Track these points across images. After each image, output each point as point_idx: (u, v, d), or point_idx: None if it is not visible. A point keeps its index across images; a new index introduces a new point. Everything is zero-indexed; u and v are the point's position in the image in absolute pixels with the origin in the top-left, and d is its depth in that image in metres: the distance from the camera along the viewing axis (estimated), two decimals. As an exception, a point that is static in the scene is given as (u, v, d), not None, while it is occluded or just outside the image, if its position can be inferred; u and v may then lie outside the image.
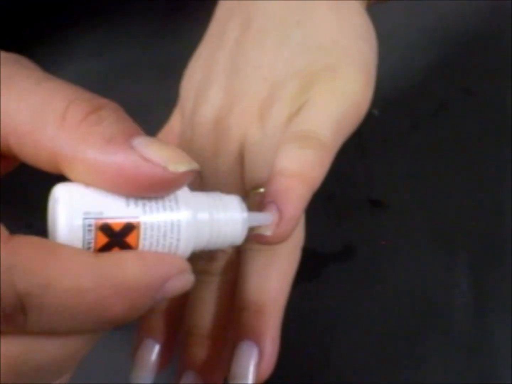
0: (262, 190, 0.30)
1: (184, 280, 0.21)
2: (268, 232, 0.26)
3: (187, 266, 0.21)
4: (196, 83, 0.34)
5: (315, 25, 0.32)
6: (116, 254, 0.20)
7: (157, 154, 0.20)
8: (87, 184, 0.20)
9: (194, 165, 0.21)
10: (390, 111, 0.46)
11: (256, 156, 0.31)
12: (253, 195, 0.30)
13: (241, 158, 0.31)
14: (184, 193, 0.22)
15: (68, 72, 0.49)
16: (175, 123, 0.36)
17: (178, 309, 0.32)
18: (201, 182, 0.32)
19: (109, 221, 0.20)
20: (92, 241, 0.20)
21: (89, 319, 0.19)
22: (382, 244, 0.40)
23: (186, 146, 0.34)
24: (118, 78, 0.49)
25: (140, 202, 0.20)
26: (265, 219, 0.26)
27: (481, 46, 0.51)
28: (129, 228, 0.20)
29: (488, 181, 0.43)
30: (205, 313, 0.31)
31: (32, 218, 0.40)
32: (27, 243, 0.19)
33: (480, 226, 0.41)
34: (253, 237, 0.26)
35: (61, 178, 0.21)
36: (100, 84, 0.48)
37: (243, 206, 0.24)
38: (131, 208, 0.20)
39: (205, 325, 0.31)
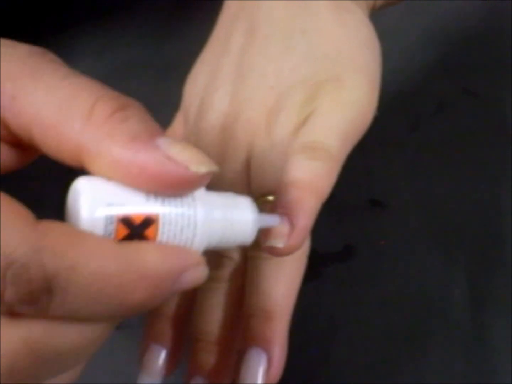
0: (270, 198, 0.30)
1: (199, 272, 0.21)
2: (280, 244, 0.26)
3: (202, 259, 0.22)
4: (200, 88, 0.34)
5: (319, 34, 0.32)
6: (137, 244, 0.20)
7: (180, 154, 0.20)
8: (109, 178, 0.20)
9: (214, 167, 0.21)
10: (390, 111, 0.45)
11: (264, 164, 0.31)
12: (260, 203, 0.31)
13: (247, 165, 0.32)
14: (200, 191, 0.23)
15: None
16: (177, 127, 0.36)
17: (185, 315, 0.32)
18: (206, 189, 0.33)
19: (130, 214, 0.20)
20: (113, 232, 0.20)
21: (111, 304, 0.19)
22: (382, 244, 0.40)
23: None
24: (119, 78, 0.49)
25: (159, 198, 0.21)
26: (274, 221, 0.26)
27: (481, 46, 0.51)
28: (149, 221, 0.21)
29: (488, 181, 0.43)
30: (213, 320, 0.32)
31: (36, 214, 0.40)
32: (55, 227, 0.19)
33: (480, 226, 0.41)
34: (265, 249, 0.27)
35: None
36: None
37: (254, 206, 0.25)
38: (151, 202, 0.21)
39: (213, 331, 0.31)
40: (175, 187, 0.21)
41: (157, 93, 0.44)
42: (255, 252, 0.31)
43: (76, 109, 0.20)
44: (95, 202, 0.20)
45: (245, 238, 0.24)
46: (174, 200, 0.21)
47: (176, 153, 0.20)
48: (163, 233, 0.21)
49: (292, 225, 0.26)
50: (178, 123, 0.36)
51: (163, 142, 0.20)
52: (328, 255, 0.39)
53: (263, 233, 0.27)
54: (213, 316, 0.32)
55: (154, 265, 0.20)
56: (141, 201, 0.21)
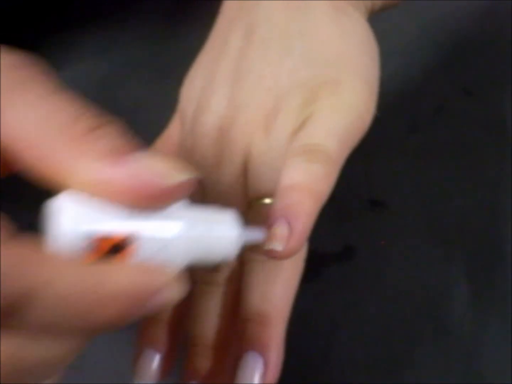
0: (267, 200, 0.30)
1: (174, 293, 0.21)
2: (279, 247, 0.26)
3: (177, 279, 0.21)
4: (197, 90, 0.34)
5: (318, 37, 0.32)
6: (107, 265, 0.20)
7: (155, 166, 0.21)
8: (86, 195, 0.21)
9: (193, 175, 0.21)
10: (389, 111, 0.45)
11: (261, 167, 0.31)
12: (257, 206, 0.31)
13: (244, 168, 0.32)
14: (181, 206, 0.22)
15: (69, 73, 0.49)
16: (174, 131, 0.36)
17: (179, 319, 0.32)
18: (202, 192, 0.32)
19: (107, 232, 0.20)
20: (89, 251, 0.20)
21: (78, 323, 0.20)
22: (382, 244, 0.40)
23: (187, 154, 0.34)
24: (119, 78, 0.49)
25: (136, 216, 0.21)
26: (258, 236, 0.26)
27: (481, 46, 0.51)
28: (125, 241, 0.21)
29: (487, 181, 0.43)
30: (209, 324, 0.32)
31: (32, 217, 0.40)
32: (26, 245, 0.19)
33: (480, 227, 0.41)
34: (264, 252, 0.27)
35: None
36: (101, 85, 0.48)
37: (237, 222, 0.24)
38: (129, 220, 0.21)
39: (209, 335, 0.31)
40: (152, 200, 0.21)
41: (157, 93, 0.44)
42: (251, 255, 0.31)
43: (54, 127, 0.20)
44: (72, 220, 0.20)
45: (228, 254, 0.24)
46: (154, 216, 0.21)
47: (151, 165, 0.20)
48: (140, 251, 0.21)
49: (291, 228, 0.26)
50: (174, 127, 0.36)
51: (139, 156, 0.20)
52: (328, 255, 0.39)
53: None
54: (209, 320, 0.32)
55: (124, 286, 0.20)
56: (119, 220, 0.21)
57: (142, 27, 0.52)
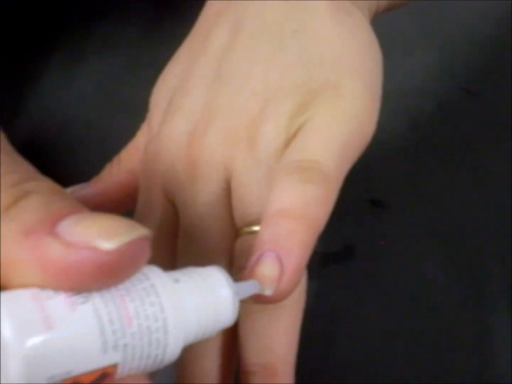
0: (256, 228, 0.26)
1: None
2: (268, 292, 0.22)
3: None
4: (169, 91, 0.29)
5: (315, 36, 0.28)
6: None
7: (86, 233, 0.16)
8: (20, 286, 0.17)
9: (139, 233, 0.17)
10: (390, 111, 0.45)
11: (247, 187, 0.26)
12: (246, 235, 0.26)
13: (227, 186, 0.27)
14: (162, 283, 0.18)
15: (68, 73, 0.49)
16: (141, 139, 0.31)
17: None
18: (175, 211, 0.28)
19: (80, 376, 0.16)
20: None
21: None
22: (382, 244, 0.40)
23: (150, 163, 0.29)
24: (119, 78, 0.49)
25: (120, 338, 0.17)
26: (254, 289, 0.22)
27: (481, 46, 0.51)
28: (105, 374, 0.17)
29: (488, 181, 0.43)
30: (198, 371, 0.27)
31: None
32: None
33: (480, 226, 0.41)
34: (254, 299, 0.23)
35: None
36: (101, 85, 0.48)
37: (228, 278, 0.20)
38: (108, 353, 0.17)
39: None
40: (94, 277, 0.16)
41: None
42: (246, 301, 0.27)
43: None
44: (32, 373, 0.15)
45: (227, 321, 0.20)
46: (138, 330, 0.17)
47: (81, 233, 0.16)
48: (124, 371, 0.17)
49: (282, 265, 0.22)
50: (141, 135, 0.32)
51: (66, 225, 0.17)
52: (328, 255, 0.39)
53: (246, 273, 0.23)
54: (199, 367, 0.27)
55: None
56: (94, 355, 0.16)
57: (142, 27, 0.52)
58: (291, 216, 0.23)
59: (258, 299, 0.22)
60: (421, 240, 0.40)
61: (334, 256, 0.39)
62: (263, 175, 0.26)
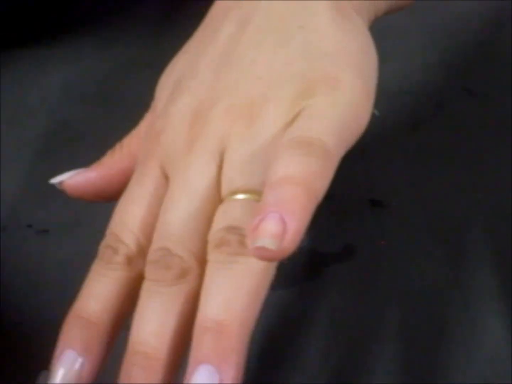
0: (240, 196, 0.27)
1: None
2: (272, 246, 0.23)
3: None
4: (176, 76, 0.32)
5: (318, 32, 0.31)
6: None
7: None
8: None
9: None
10: (390, 111, 0.45)
11: (240, 157, 0.28)
12: (228, 202, 0.27)
13: (219, 157, 0.28)
14: None
15: (68, 73, 0.49)
16: (144, 128, 0.33)
17: (116, 320, 0.28)
18: (166, 182, 0.30)
19: None
20: None
21: None
22: (382, 244, 0.40)
23: (152, 138, 0.31)
24: (119, 78, 0.49)
25: None
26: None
27: (481, 46, 0.51)
28: None
29: (488, 180, 0.43)
30: (154, 329, 0.26)
31: (32, 218, 0.40)
32: None
33: (480, 226, 0.41)
34: (255, 250, 0.23)
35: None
36: (100, 84, 0.48)
37: None
38: None
39: (153, 343, 0.26)
40: None
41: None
42: (215, 255, 0.27)
43: None
44: None
45: None
46: None
47: None
48: None
49: (285, 225, 0.23)
50: (145, 123, 0.33)
51: None
52: (328, 255, 0.39)
53: (250, 229, 0.24)
54: (152, 324, 0.26)
55: None
56: None
57: (142, 26, 0.52)
58: (294, 183, 0.25)
59: (259, 252, 0.23)
60: (421, 240, 0.40)
61: (334, 256, 0.39)
62: (257, 151, 0.28)
